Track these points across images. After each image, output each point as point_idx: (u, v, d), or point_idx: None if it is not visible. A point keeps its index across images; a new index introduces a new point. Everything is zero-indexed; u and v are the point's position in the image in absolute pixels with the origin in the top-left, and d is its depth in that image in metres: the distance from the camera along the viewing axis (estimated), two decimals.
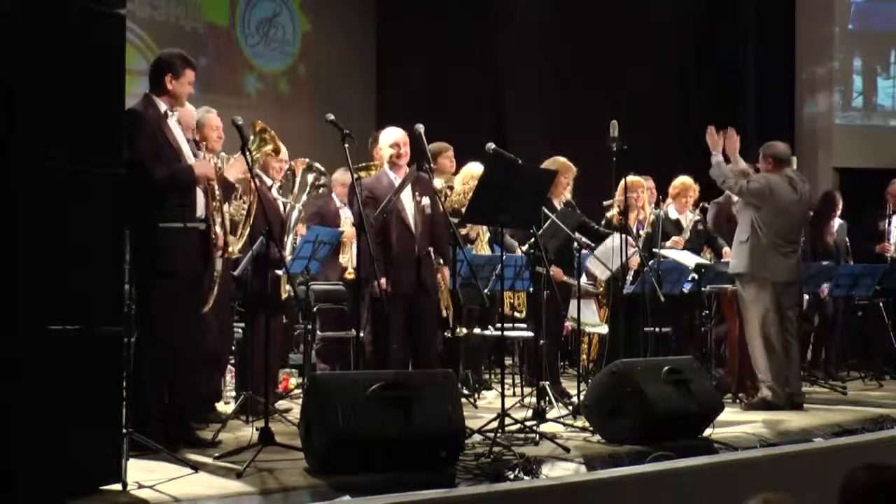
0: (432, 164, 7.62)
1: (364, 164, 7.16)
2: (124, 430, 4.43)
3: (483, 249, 7.82)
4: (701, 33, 13.36)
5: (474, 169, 7.57)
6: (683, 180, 8.56)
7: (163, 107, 5.41)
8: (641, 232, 8.10)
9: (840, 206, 9.75)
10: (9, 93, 3.97)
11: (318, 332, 7.64)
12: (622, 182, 7.36)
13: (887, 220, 9.92)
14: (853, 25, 13.03)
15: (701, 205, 8.70)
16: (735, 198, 7.91)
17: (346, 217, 7.62)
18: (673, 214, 8.53)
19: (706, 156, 7.61)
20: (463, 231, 7.48)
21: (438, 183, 7.36)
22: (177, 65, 5.44)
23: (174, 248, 5.28)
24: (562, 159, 7.70)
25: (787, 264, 7.47)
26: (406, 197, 6.48)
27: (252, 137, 5.88)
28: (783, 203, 7.44)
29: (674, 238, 8.29)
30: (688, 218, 8.52)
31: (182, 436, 5.36)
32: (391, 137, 6.60)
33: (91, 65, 4.24)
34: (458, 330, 6.97)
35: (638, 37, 12.73)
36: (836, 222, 9.82)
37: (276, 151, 6.27)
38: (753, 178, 7.52)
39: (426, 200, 6.58)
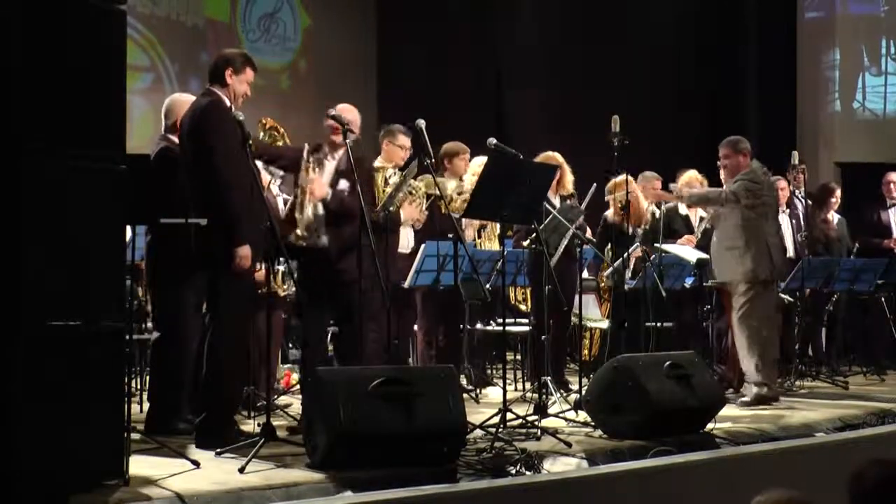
0: (445, 164, 7.69)
1: None
2: (129, 425, 4.46)
3: (492, 244, 7.83)
4: (701, 32, 13.34)
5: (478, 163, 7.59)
6: (689, 173, 8.51)
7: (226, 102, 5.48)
8: (640, 229, 8.10)
9: (836, 198, 9.73)
10: (9, 89, 3.97)
11: None
12: (623, 178, 7.35)
13: (889, 213, 9.89)
14: (855, 14, 13.02)
15: None
16: None
17: None
18: (682, 210, 8.51)
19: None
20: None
21: (451, 185, 7.37)
22: (238, 62, 5.51)
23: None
24: (553, 154, 7.69)
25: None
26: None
27: (262, 134, 5.89)
28: (773, 195, 7.48)
29: (686, 237, 8.27)
30: (696, 214, 8.49)
31: (229, 434, 5.35)
32: None
33: (92, 61, 4.23)
34: None
35: (638, 36, 12.72)
36: (835, 216, 9.80)
37: None
38: (741, 177, 7.28)
39: (344, 184, 6.02)
